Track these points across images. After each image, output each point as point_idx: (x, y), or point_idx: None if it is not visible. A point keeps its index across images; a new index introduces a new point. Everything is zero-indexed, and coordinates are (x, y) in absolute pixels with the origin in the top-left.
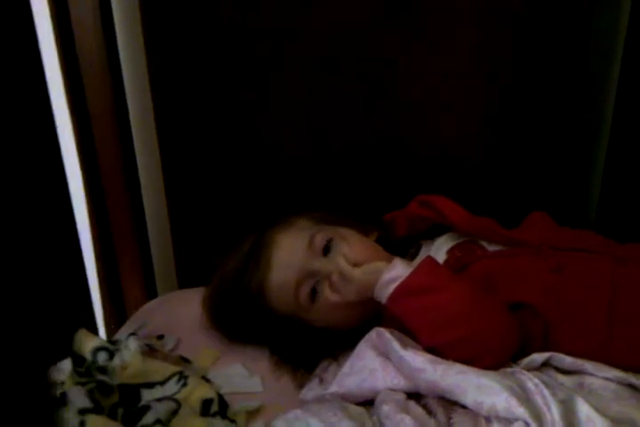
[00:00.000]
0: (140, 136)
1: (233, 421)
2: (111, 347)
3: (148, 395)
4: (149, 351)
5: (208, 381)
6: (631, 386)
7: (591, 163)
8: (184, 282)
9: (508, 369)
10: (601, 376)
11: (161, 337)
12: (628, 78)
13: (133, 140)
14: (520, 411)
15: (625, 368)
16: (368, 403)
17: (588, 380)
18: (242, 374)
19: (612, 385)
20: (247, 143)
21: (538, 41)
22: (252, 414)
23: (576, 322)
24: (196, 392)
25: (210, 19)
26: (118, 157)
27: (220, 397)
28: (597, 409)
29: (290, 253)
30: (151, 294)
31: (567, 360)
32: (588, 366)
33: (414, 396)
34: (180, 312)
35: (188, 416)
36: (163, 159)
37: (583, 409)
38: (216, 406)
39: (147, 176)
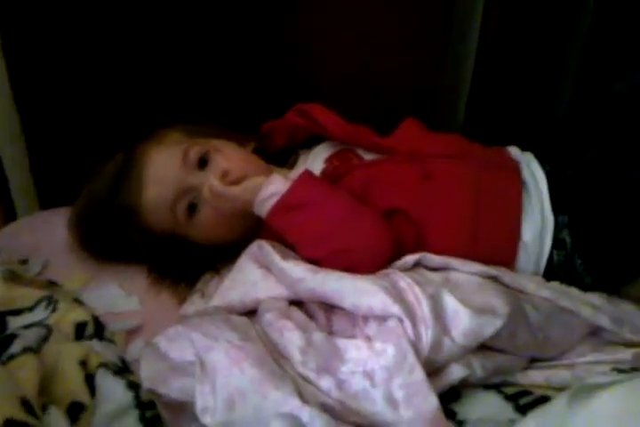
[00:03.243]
0: None
1: (111, 341)
2: None
3: (14, 323)
4: (12, 277)
5: (81, 303)
6: (492, 278)
7: (460, 68)
8: (45, 203)
9: (383, 271)
10: (465, 271)
11: (25, 262)
12: None
13: None
14: (395, 309)
15: (487, 263)
16: (251, 314)
17: (454, 275)
18: (117, 294)
19: (476, 278)
20: (111, 45)
21: None
22: (131, 333)
23: (445, 224)
24: (68, 316)
25: None
26: None
27: (95, 318)
28: (462, 300)
29: (163, 168)
30: (9, 216)
31: (435, 259)
32: (454, 262)
33: (296, 303)
34: (45, 234)
35: (60, 342)
36: (8, 65)
37: (449, 302)
38: (91, 329)
39: None
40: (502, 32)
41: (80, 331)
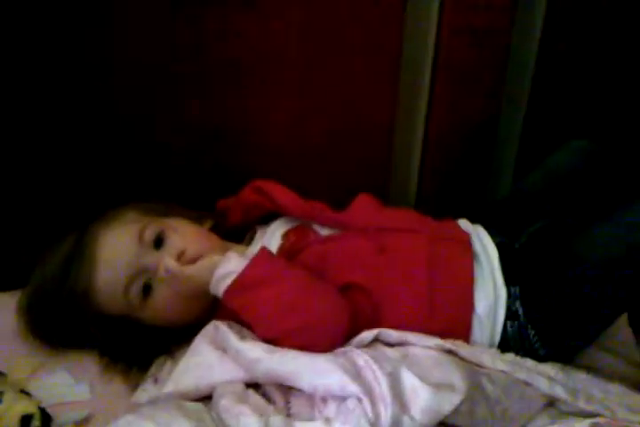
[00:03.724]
0: None
1: None
2: None
3: None
4: None
5: (27, 394)
6: (449, 351)
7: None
8: None
9: (340, 349)
10: (422, 345)
11: None
12: None
13: None
14: (353, 388)
15: (443, 336)
16: (207, 399)
17: (412, 350)
18: (66, 383)
19: (433, 353)
20: (59, 130)
21: None
22: (81, 424)
23: (400, 298)
24: (14, 409)
25: None
26: None
27: (42, 410)
28: (420, 377)
29: (117, 249)
30: None
31: (393, 335)
32: (411, 337)
33: (253, 386)
34: None
35: None
36: None
37: (408, 379)
38: (37, 422)
39: None
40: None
41: (26, 424)
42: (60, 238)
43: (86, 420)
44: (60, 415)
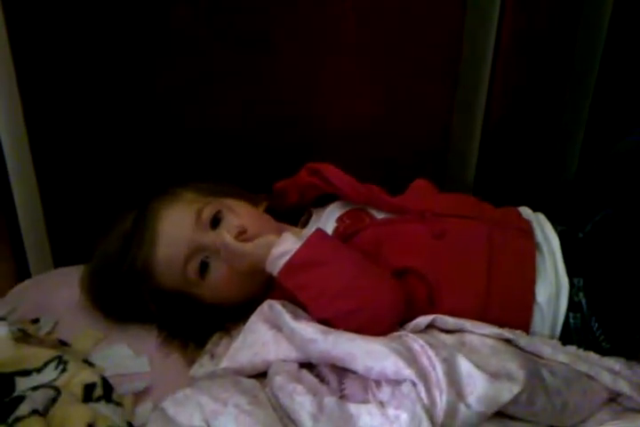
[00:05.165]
0: (4, 103)
1: (119, 404)
2: None
3: (22, 384)
4: (23, 337)
5: (90, 364)
6: (507, 341)
7: (470, 128)
8: (59, 261)
9: (395, 333)
10: (480, 333)
11: (36, 321)
12: None
13: None
14: (407, 372)
15: (501, 325)
16: (262, 376)
17: (469, 337)
18: (127, 355)
19: (490, 341)
20: (121, 111)
21: None
22: (140, 395)
23: (458, 284)
24: (78, 377)
25: None
26: None
27: (104, 380)
28: (477, 365)
29: (176, 227)
30: (23, 274)
31: (449, 321)
32: (468, 324)
33: (307, 365)
34: (57, 293)
35: (68, 403)
36: (27, 123)
37: (464, 366)
38: (100, 391)
39: (11, 140)
40: (509, 91)
41: (89, 393)
42: (122, 216)
43: (145, 391)
44: (120, 386)
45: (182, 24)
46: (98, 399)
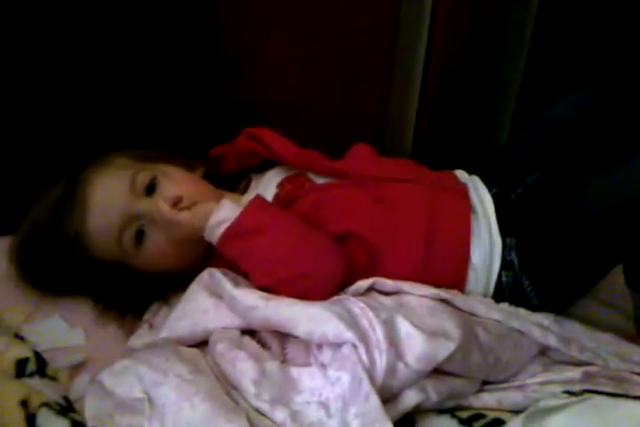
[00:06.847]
0: None
1: (54, 378)
2: None
3: None
4: None
5: (22, 339)
6: (444, 301)
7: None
8: None
9: (336, 297)
10: (418, 294)
11: None
12: None
13: None
14: (348, 335)
15: (438, 286)
16: (202, 344)
17: (407, 299)
18: (61, 327)
19: (428, 302)
20: (57, 67)
21: None
22: (76, 369)
23: (398, 248)
24: (9, 353)
25: None
26: None
27: (37, 354)
28: (415, 325)
29: (109, 195)
30: None
31: (388, 284)
32: (406, 286)
33: (248, 332)
34: None
35: (0, 380)
36: None
37: (403, 326)
38: (33, 365)
39: None
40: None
41: (21, 368)
42: (51, 184)
43: (81, 365)
44: (55, 360)
45: None
46: (31, 375)
